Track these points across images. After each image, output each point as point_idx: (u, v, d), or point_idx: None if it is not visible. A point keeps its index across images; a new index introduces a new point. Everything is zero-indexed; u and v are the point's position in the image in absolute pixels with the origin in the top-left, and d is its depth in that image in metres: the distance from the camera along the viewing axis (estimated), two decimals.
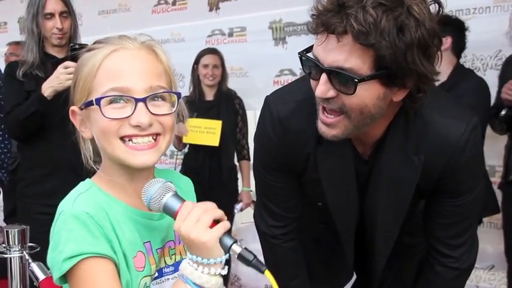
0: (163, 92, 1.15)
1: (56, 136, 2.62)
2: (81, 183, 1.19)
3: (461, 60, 3.25)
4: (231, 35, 4.66)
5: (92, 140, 1.21)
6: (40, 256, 1.70)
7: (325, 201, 1.64)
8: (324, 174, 1.59)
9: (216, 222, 1.08)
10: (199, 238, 1.05)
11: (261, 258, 1.24)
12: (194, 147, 3.94)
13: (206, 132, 3.82)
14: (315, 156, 1.58)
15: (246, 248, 1.08)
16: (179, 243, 1.25)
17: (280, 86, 1.95)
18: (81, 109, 1.16)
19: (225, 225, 1.08)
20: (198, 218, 1.06)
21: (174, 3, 4.94)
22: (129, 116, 1.11)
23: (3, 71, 2.95)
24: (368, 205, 1.65)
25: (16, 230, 1.74)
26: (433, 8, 1.37)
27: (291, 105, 1.58)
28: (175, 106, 1.17)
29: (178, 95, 1.18)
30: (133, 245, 1.14)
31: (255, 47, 4.45)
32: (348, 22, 1.25)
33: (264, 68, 4.38)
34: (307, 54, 1.39)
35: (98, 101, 1.11)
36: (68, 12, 2.81)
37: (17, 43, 4.51)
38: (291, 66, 4.23)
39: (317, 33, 1.34)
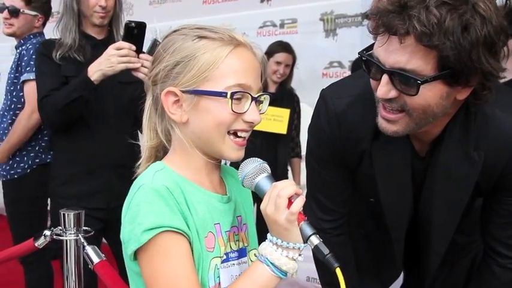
0: (267, 94, 1.25)
1: (100, 131, 2.43)
2: (153, 164, 1.23)
3: None
4: (282, 26, 4.65)
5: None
6: None
7: (378, 197, 1.62)
8: (379, 170, 1.58)
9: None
10: (279, 220, 1.11)
11: None
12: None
13: (273, 119, 3.84)
14: (371, 152, 1.57)
15: (323, 242, 1.12)
16: (242, 230, 1.30)
17: (328, 79, 1.94)
18: (185, 92, 1.18)
19: (298, 204, 1.12)
20: (278, 202, 1.12)
21: None
22: (244, 112, 1.19)
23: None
24: (423, 203, 1.62)
25: (72, 213, 1.80)
26: (500, 0, 1.34)
27: (348, 100, 1.57)
28: (266, 106, 1.26)
29: (272, 96, 1.27)
30: (204, 225, 1.18)
31: (305, 38, 4.43)
32: (410, 23, 1.23)
33: (314, 60, 4.35)
34: (367, 54, 1.37)
35: (233, 94, 1.16)
36: None
37: None
38: (340, 59, 4.20)
39: (377, 34, 1.32)
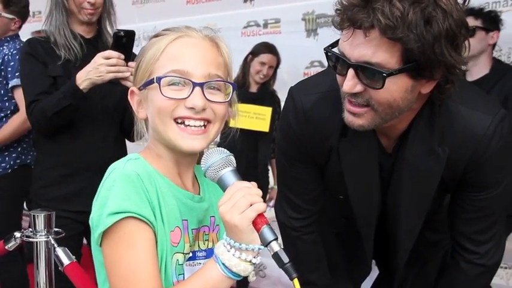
0: (220, 81, 1.21)
1: (86, 132, 2.37)
2: (129, 154, 1.24)
3: (496, 54, 3.16)
4: (265, 26, 4.66)
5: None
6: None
7: (347, 194, 1.64)
8: (346, 166, 1.59)
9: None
10: (231, 220, 1.09)
11: None
12: (231, 141, 3.96)
13: (255, 117, 3.84)
14: (338, 149, 1.58)
15: (284, 249, 1.09)
16: (213, 230, 1.30)
17: None
18: (140, 89, 1.22)
19: (258, 208, 1.10)
20: (236, 200, 1.10)
21: None
22: (185, 98, 1.16)
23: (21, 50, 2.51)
24: (390, 199, 1.64)
25: (42, 214, 1.79)
26: None
27: (316, 97, 1.59)
28: (230, 97, 1.24)
29: (234, 86, 1.25)
30: (173, 219, 1.18)
31: (288, 38, 4.43)
32: (375, 17, 1.24)
33: (296, 60, 4.36)
34: (332, 50, 1.39)
35: (159, 79, 1.16)
36: None
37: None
38: (321, 58, 4.20)
39: (342, 29, 1.34)
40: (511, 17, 3.17)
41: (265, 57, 3.93)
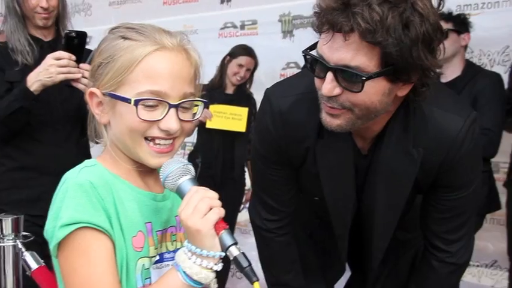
0: (194, 100, 1.19)
1: (47, 136, 2.33)
2: (86, 160, 1.21)
3: (468, 56, 3.22)
4: (242, 27, 4.67)
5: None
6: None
7: (322, 195, 1.64)
8: (322, 168, 1.60)
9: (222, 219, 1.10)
10: (194, 225, 1.07)
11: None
12: (208, 141, 3.97)
13: (232, 118, 3.84)
14: (315, 150, 1.59)
15: (244, 254, 1.08)
16: (180, 229, 1.27)
17: None
18: (104, 95, 1.17)
19: (219, 212, 1.09)
20: (195, 205, 1.08)
21: None
22: (160, 120, 1.14)
23: None
24: (366, 200, 1.65)
25: (10, 218, 1.75)
26: (435, 2, 1.38)
27: (292, 99, 1.58)
28: (199, 113, 1.22)
29: (206, 103, 1.23)
30: (134, 224, 1.15)
31: (265, 39, 4.45)
32: (354, 21, 1.25)
33: (273, 61, 4.38)
34: (311, 52, 1.39)
35: (137, 102, 1.12)
36: None
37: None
38: (296, 59, 4.24)
39: (321, 32, 1.34)
40: (482, 20, 3.24)
41: (243, 59, 3.92)
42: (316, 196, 1.69)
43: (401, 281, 1.89)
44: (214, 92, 3.93)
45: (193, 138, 4.16)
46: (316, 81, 1.41)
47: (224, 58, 4.00)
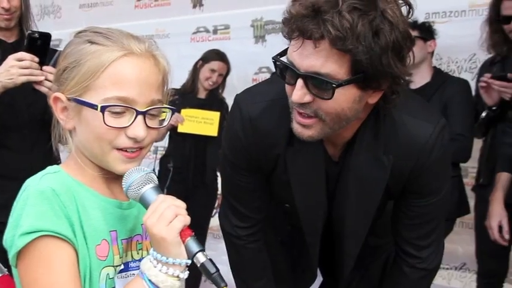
0: (162, 107, 1.17)
1: (13, 141, 2.26)
2: (48, 167, 1.18)
3: (437, 63, 3.29)
4: (215, 32, 4.66)
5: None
6: None
7: (293, 203, 1.64)
8: (293, 175, 1.59)
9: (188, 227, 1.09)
10: (159, 233, 1.05)
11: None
12: (180, 145, 3.95)
13: (204, 122, 3.83)
14: (285, 157, 1.58)
15: (211, 260, 1.07)
16: (146, 238, 1.24)
17: None
18: (69, 100, 1.14)
19: (184, 220, 1.08)
20: (161, 213, 1.06)
21: None
22: (127, 127, 1.12)
23: None
24: (336, 207, 1.65)
25: None
26: (404, 10, 1.38)
27: (262, 105, 1.58)
28: (167, 120, 1.20)
29: (174, 111, 1.21)
30: (98, 233, 1.12)
31: (237, 44, 4.45)
32: (325, 28, 1.24)
33: (245, 66, 4.38)
34: (281, 59, 1.38)
35: (104, 108, 1.09)
36: None
37: None
38: (269, 65, 4.23)
39: (291, 38, 1.33)
40: (450, 28, 3.33)
41: (215, 64, 3.92)
42: (287, 203, 1.69)
43: (373, 286, 1.91)
44: (186, 96, 3.93)
45: (165, 142, 4.14)
46: (287, 87, 1.40)
47: (196, 63, 3.99)
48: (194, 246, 1.07)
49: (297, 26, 1.29)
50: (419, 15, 3.16)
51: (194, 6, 4.76)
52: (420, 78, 3.10)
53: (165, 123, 1.21)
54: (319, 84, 1.31)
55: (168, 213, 1.06)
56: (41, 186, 1.08)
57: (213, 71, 3.92)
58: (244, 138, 1.60)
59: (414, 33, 3.03)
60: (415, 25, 3.08)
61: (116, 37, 1.15)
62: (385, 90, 1.39)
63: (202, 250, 1.08)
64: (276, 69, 1.42)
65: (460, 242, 3.48)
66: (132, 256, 1.21)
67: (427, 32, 3.13)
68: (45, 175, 1.14)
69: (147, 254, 1.19)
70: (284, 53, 1.38)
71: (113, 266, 1.15)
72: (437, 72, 3.17)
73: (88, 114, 1.12)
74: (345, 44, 1.24)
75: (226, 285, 1.06)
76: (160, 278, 1.06)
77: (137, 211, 1.22)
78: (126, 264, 1.19)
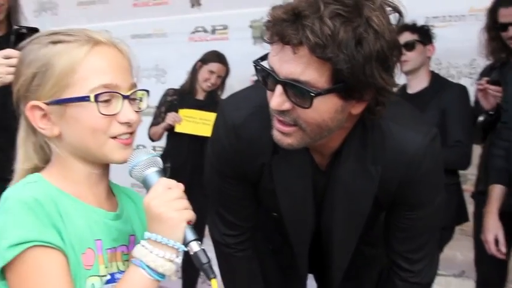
0: (142, 90, 1.18)
1: (1, 143, 2.18)
2: (28, 176, 1.15)
3: (437, 68, 3.25)
4: (213, 32, 4.64)
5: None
6: None
7: (280, 212, 1.60)
8: (279, 184, 1.54)
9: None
10: (167, 213, 1.06)
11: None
12: (178, 145, 3.93)
13: (202, 123, 3.81)
14: (271, 166, 1.53)
15: (204, 250, 1.09)
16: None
17: None
18: (48, 104, 1.11)
19: (193, 216, 1.10)
20: (172, 198, 1.08)
21: None
22: (118, 113, 1.12)
23: None
24: (324, 217, 1.60)
25: None
26: (394, 17, 1.32)
27: (246, 112, 1.52)
28: (144, 102, 1.20)
29: (148, 92, 1.21)
30: (83, 240, 1.10)
31: (236, 45, 4.41)
32: (303, 34, 1.19)
33: (244, 67, 4.34)
34: (261, 63, 1.33)
35: (97, 96, 1.09)
36: None
37: None
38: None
39: (272, 43, 1.28)
40: (450, 32, 3.28)
41: (214, 66, 3.91)
42: (275, 212, 1.64)
43: None
44: (184, 97, 3.95)
45: (163, 142, 4.13)
46: (268, 94, 1.34)
47: (196, 64, 3.99)
48: (190, 235, 1.09)
49: (276, 30, 1.23)
50: (419, 20, 3.13)
51: (192, 6, 4.73)
52: (418, 83, 3.07)
53: (144, 106, 1.20)
54: (298, 92, 1.25)
55: (180, 204, 1.08)
56: (22, 197, 1.06)
57: (211, 72, 3.91)
58: (229, 146, 1.55)
59: (414, 36, 3.02)
60: (414, 28, 3.05)
61: (76, 32, 1.14)
62: (368, 101, 1.33)
63: (198, 240, 1.09)
64: (257, 74, 1.36)
65: (459, 249, 3.43)
66: (117, 267, 1.18)
67: (426, 36, 3.10)
68: (25, 184, 1.11)
69: None
70: (266, 57, 1.33)
71: (99, 276, 1.13)
72: (435, 77, 3.13)
73: (75, 111, 1.11)
74: (324, 52, 1.18)
75: (215, 277, 1.08)
76: (159, 262, 1.07)
77: (125, 223, 1.21)
78: (112, 275, 1.17)
